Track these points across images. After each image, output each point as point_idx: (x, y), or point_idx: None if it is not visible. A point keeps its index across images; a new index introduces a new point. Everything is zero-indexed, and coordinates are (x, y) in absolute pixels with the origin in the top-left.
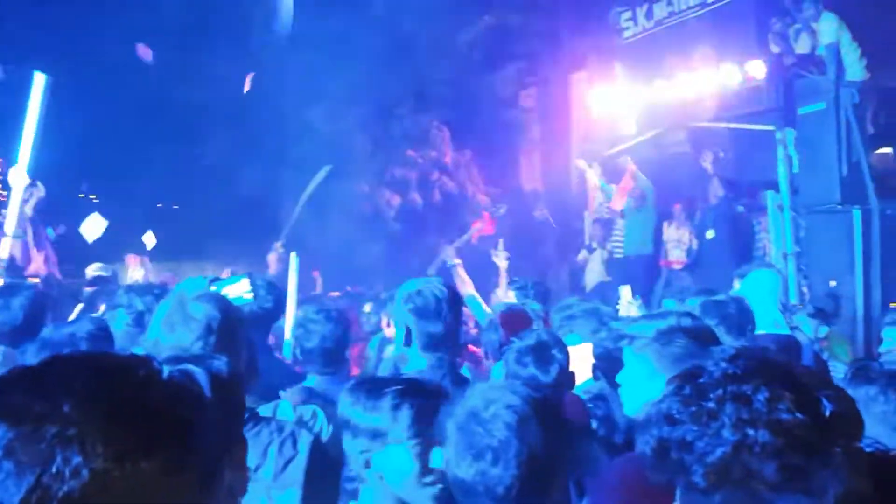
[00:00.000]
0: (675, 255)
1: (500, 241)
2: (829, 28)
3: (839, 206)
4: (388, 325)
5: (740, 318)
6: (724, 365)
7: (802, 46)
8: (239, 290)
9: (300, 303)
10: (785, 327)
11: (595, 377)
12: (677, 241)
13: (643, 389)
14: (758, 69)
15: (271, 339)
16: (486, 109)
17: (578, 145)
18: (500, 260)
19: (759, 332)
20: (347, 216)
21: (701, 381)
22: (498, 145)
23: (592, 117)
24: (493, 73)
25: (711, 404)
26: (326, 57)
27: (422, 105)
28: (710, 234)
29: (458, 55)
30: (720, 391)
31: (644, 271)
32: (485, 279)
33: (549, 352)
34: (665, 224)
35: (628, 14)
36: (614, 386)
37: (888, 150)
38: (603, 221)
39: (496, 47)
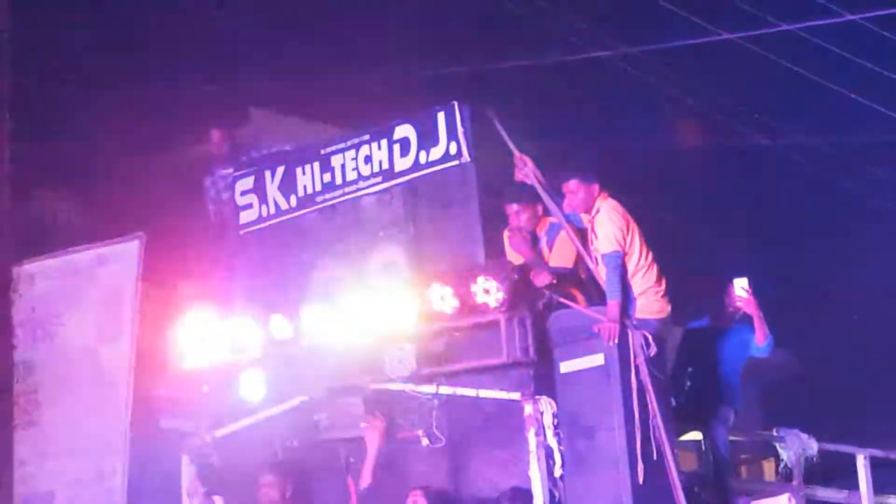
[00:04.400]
0: None
1: None
2: (608, 227)
3: None
4: None
5: None
6: None
7: (562, 255)
8: None
9: None
10: None
11: None
12: None
13: None
14: (489, 293)
15: None
16: None
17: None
18: None
19: None
20: None
21: None
22: None
23: (181, 369)
24: None
25: None
26: None
27: None
28: None
29: None
30: None
31: None
32: None
33: None
34: None
35: (249, 182)
36: None
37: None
38: None
39: None
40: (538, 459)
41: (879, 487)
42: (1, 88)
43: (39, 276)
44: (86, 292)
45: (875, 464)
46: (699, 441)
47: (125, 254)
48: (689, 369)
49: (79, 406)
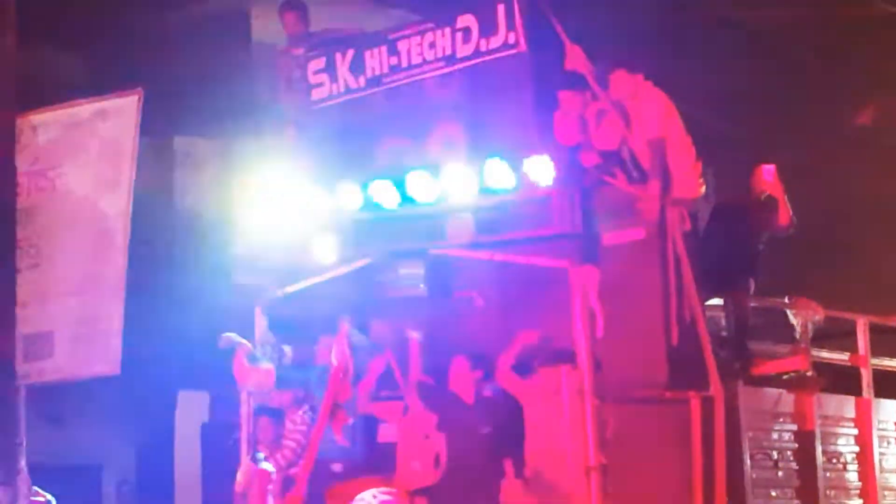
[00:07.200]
0: None
1: None
2: (651, 113)
3: (667, 394)
4: None
5: None
6: None
7: (608, 137)
8: None
9: None
10: None
11: None
12: None
13: None
14: (541, 170)
15: None
16: None
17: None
18: None
19: None
20: None
21: None
22: None
23: (253, 231)
24: None
25: None
26: None
27: None
28: None
29: None
30: None
31: None
32: None
33: None
34: None
35: (321, 62)
36: None
37: (718, 301)
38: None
39: None
40: (581, 322)
41: (876, 351)
42: None
43: (41, 127)
44: (86, 144)
45: (872, 329)
46: (723, 306)
47: (124, 108)
48: (717, 243)
49: (78, 251)
